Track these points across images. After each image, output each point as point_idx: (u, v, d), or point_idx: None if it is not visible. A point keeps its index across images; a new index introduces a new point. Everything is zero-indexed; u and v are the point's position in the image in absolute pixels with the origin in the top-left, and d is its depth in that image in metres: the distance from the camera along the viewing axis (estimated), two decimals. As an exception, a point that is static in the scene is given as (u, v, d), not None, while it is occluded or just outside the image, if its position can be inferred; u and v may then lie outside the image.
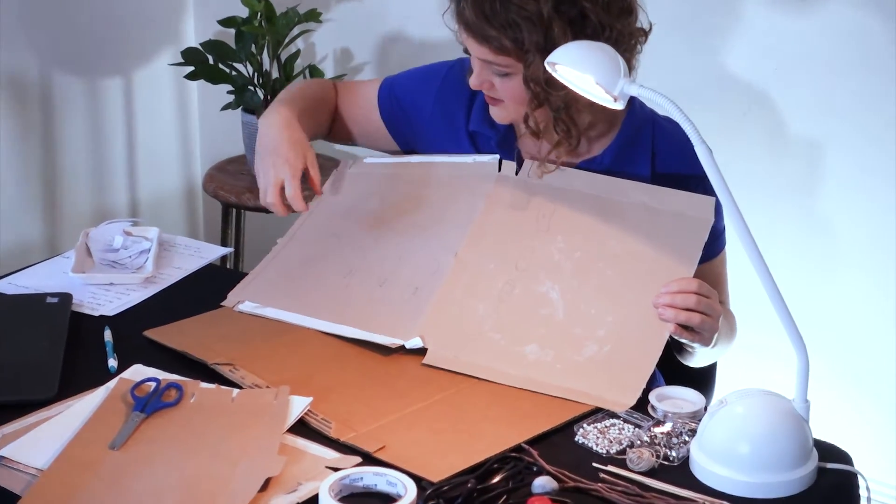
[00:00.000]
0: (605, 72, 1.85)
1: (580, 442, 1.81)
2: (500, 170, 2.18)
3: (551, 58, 1.90)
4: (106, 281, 2.25)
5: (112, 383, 1.90)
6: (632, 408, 1.87)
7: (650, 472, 1.74)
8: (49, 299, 2.15)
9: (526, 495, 1.65)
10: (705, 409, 1.82)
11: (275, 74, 3.31)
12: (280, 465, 1.69)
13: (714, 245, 2.14)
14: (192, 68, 3.33)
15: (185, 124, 3.82)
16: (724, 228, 2.17)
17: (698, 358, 2.12)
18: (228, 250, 2.56)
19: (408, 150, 2.34)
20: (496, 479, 1.67)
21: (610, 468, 1.74)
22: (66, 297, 2.16)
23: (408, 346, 2.01)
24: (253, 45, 3.28)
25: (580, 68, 1.87)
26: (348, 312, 2.10)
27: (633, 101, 2.16)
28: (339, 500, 1.62)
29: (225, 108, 3.36)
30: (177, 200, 3.85)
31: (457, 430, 1.82)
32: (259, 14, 3.25)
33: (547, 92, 2.04)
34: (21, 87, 3.36)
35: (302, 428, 1.81)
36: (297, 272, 2.20)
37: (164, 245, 2.40)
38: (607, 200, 2.10)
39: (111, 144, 3.61)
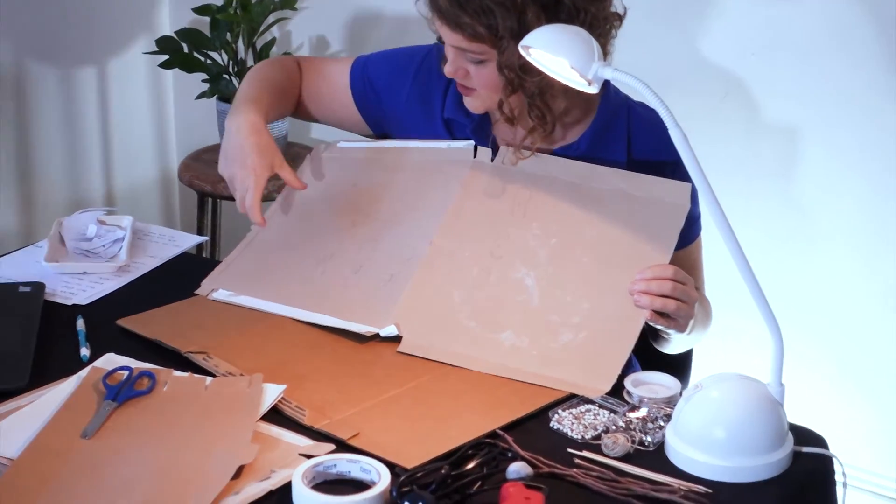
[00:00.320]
0: (579, 55, 1.84)
1: (555, 428, 1.80)
2: (475, 156, 2.17)
3: (525, 41, 1.89)
4: (79, 270, 2.24)
5: (84, 372, 1.89)
6: (607, 393, 1.87)
7: (625, 458, 1.73)
8: (22, 288, 2.14)
9: (500, 481, 1.65)
10: (681, 394, 1.82)
11: (250, 63, 3.30)
12: (253, 452, 1.68)
13: (690, 231, 2.13)
14: (166, 57, 3.31)
15: (160, 113, 3.81)
16: (700, 214, 2.17)
17: (674, 344, 2.12)
18: (203, 239, 2.54)
19: (380, 132, 2.32)
20: (471, 466, 1.67)
21: (585, 454, 1.73)
22: (38, 286, 2.15)
23: (382, 335, 2.00)
24: (228, 34, 3.27)
25: (554, 52, 1.86)
26: (323, 300, 2.09)
27: (608, 87, 2.16)
28: (313, 487, 1.61)
29: (200, 96, 3.35)
30: (152, 190, 3.84)
31: (431, 417, 1.81)
32: (234, 2, 3.24)
33: (521, 78, 2.03)
34: (-6, 77, 3.34)
35: (276, 416, 1.80)
36: (271, 260, 2.18)
37: (139, 234, 2.38)
38: (583, 187, 2.09)
39: (86, 134, 3.60)
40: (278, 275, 2.16)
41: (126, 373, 1.86)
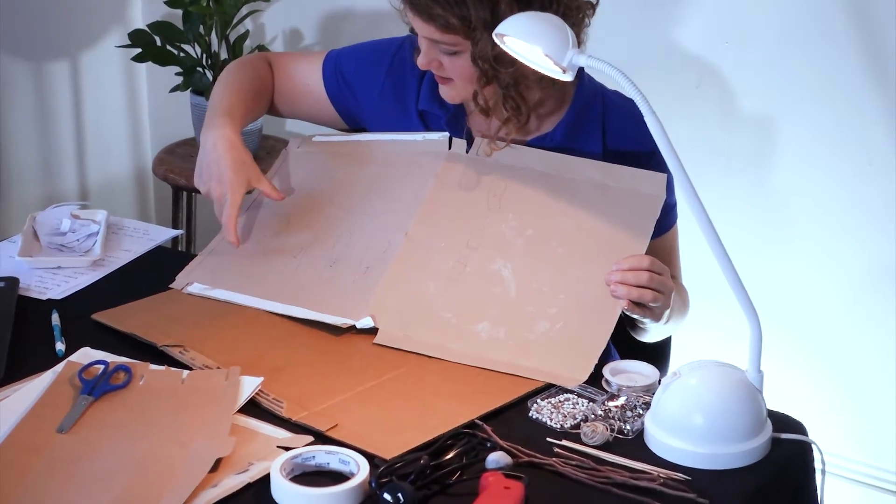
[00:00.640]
0: (554, 43, 1.84)
1: (534, 417, 1.80)
2: (450, 148, 2.17)
3: (499, 29, 1.89)
4: (53, 264, 2.22)
5: (59, 367, 1.87)
6: (586, 382, 1.87)
7: (605, 446, 1.73)
8: (-5, 284, 2.13)
9: (480, 471, 1.64)
10: (659, 382, 1.82)
11: (224, 55, 3.29)
12: (231, 445, 1.68)
13: (665, 220, 2.13)
14: (139, 50, 3.30)
15: (133, 107, 3.79)
16: (676, 203, 2.17)
17: (651, 334, 2.13)
18: (178, 232, 2.54)
19: (355, 126, 2.32)
20: (450, 456, 1.67)
21: (564, 443, 1.73)
22: (12, 281, 2.13)
23: (358, 326, 2.00)
24: (201, 26, 3.25)
25: (528, 39, 1.86)
26: (298, 293, 2.08)
27: (582, 77, 2.15)
28: (291, 479, 1.61)
29: (174, 90, 3.33)
30: (127, 184, 3.82)
31: (409, 408, 1.81)
32: (207, -6, 3.23)
33: (495, 69, 2.02)
34: (-35, 72, 3.32)
35: (253, 408, 1.79)
36: (246, 254, 2.18)
37: (113, 228, 2.37)
38: (559, 178, 2.09)
39: (59, 128, 3.58)
40: (254, 269, 2.15)
41: (102, 367, 1.85)
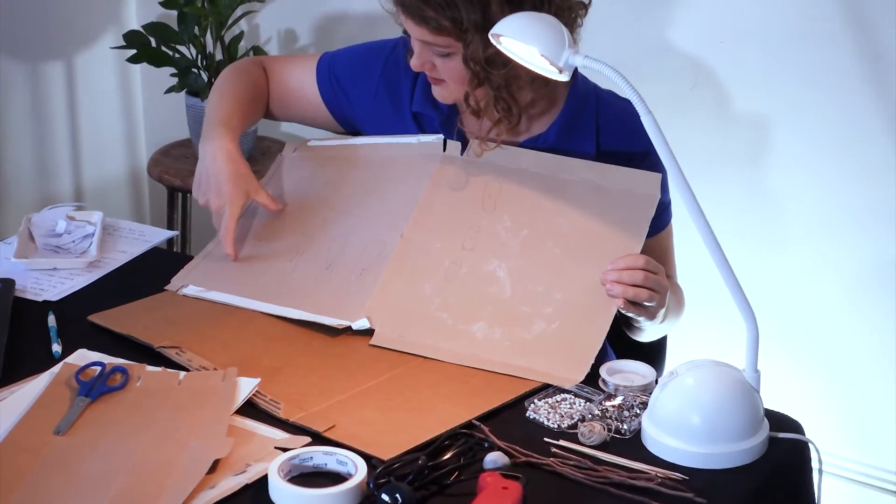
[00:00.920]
0: (550, 43, 1.84)
1: (531, 417, 1.80)
2: (444, 150, 2.17)
3: (495, 30, 1.89)
4: (49, 266, 2.22)
5: (56, 368, 1.87)
6: (582, 382, 1.87)
7: (602, 446, 1.73)
8: (-9, 285, 2.12)
9: (477, 471, 1.65)
10: (656, 381, 1.82)
11: (219, 56, 3.28)
12: (228, 446, 1.68)
13: (660, 219, 2.14)
14: (134, 51, 3.29)
15: (128, 108, 3.78)
16: (670, 202, 2.17)
17: (647, 333, 2.13)
18: (174, 233, 2.54)
19: (349, 129, 2.32)
20: (447, 456, 1.67)
21: (562, 443, 1.73)
22: (8, 283, 2.13)
23: (354, 328, 2.00)
24: (196, 27, 3.25)
25: (524, 40, 1.86)
26: (294, 295, 2.08)
27: (575, 77, 2.15)
28: (289, 480, 1.61)
29: (169, 91, 3.33)
30: (122, 185, 3.82)
31: (407, 409, 1.81)
32: (201, -5, 3.23)
33: (487, 71, 2.03)
34: (-40, 73, 3.32)
35: (250, 409, 1.79)
36: (242, 256, 2.17)
37: (109, 229, 2.37)
38: (553, 178, 2.10)
39: (54, 129, 3.57)
40: (250, 271, 2.15)
41: (99, 368, 1.85)
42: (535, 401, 1.83)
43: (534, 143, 2.15)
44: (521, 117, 2.12)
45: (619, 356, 2.08)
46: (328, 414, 1.77)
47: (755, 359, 1.77)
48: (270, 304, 2.07)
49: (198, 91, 3.25)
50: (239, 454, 1.68)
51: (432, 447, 1.68)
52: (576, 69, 1.95)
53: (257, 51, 3.33)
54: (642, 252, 1.99)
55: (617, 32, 2.93)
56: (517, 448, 1.70)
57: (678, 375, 1.75)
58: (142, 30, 3.29)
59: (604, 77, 1.83)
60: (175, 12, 3.26)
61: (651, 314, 2.00)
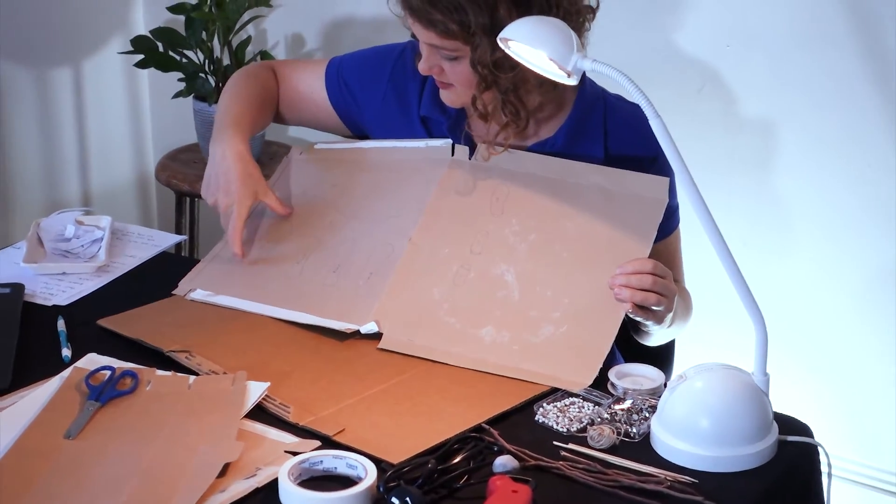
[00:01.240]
0: (558, 47, 1.84)
1: (540, 421, 1.80)
2: (453, 154, 2.17)
3: (504, 34, 1.89)
4: (58, 270, 2.23)
5: (66, 372, 1.88)
6: (591, 386, 1.87)
7: (611, 449, 1.73)
8: (1, 290, 2.12)
9: (487, 475, 1.65)
10: (665, 385, 1.82)
11: (226, 61, 3.29)
12: (238, 450, 1.68)
13: (668, 223, 2.13)
14: (141, 56, 3.29)
15: (136, 113, 3.79)
16: (678, 206, 2.17)
17: (655, 337, 2.13)
18: (182, 238, 2.54)
19: (358, 133, 2.32)
20: (457, 460, 1.67)
21: (571, 446, 1.73)
22: (18, 288, 2.13)
23: (363, 331, 2.00)
24: (203, 32, 3.25)
25: (532, 44, 1.86)
26: (302, 299, 2.08)
27: (583, 81, 2.15)
28: (299, 484, 1.61)
29: (176, 95, 3.33)
30: (130, 190, 3.82)
31: (416, 412, 1.81)
32: (209, 0, 3.22)
33: (494, 74, 2.03)
34: (-32, 79, 3.32)
35: (260, 413, 1.79)
36: (249, 259, 2.17)
37: (117, 234, 2.37)
38: (561, 182, 2.10)
39: (62, 134, 3.58)
40: (257, 275, 2.15)
41: (108, 373, 1.85)
42: (544, 404, 1.83)
43: (542, 148, 2.16)
44: (528, 121, 2.13)
45: (628, 360, 2.08)
46: (338, 418, 1.77)
47: (764, 362, 1.77)
48: (278, 308, 2.07)
49: (205, 96, 3.26)
50: (249, 458, 1.68)
51: (442, 451, 1.68)
52: (584, 73, 1.95)
53: (265, 55, 3.34)
54: (650, 256, 1.99)
55: (625, 36, 2.93)
56: (526, 452, 1.70)
57: (687, 379, 1.75)
58: (149, 35, 3.29)
59: (612, 81, 1.83)
60: (182, 17, 3.27)
61: (659, 318, 2.00)
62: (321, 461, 1.65)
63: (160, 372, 1.88)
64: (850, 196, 2.86)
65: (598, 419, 1.78)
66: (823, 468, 1.80)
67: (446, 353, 1.96)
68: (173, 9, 3.27)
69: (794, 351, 2.95)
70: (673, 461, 1.72)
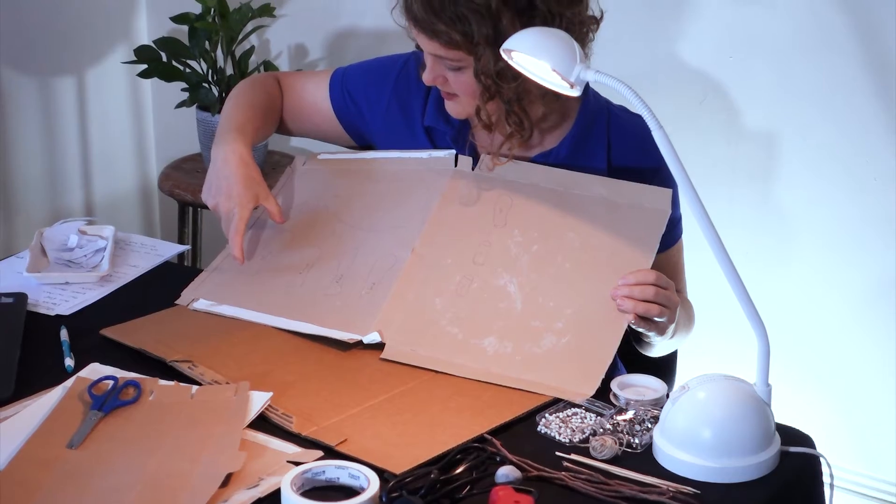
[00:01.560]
0: (561, 58, 1.84)
1: (542, 431, 1.80)
2: (456, 165, 2.17)
3: (507, 45, 1.89)
4: (61, 280, 2.23)
5: (69, 382, 1.88)
6: (593, 396, 1.87)
7: (614, 460, 1.73)
8: (4, 299, 2.12)
9: (490, 485, 1.65)
10: (667, 395, 1.82)
11: (229, 71, 3.29)
12: (241, 460, 1.68)
13: (671, 234, 2.14)
14: (145, 66, 3.30)
15: (139, 123, 3.80)
16: (681, 217, 2.18)
17: (656, 348, 2.13)
18: (185, 248, 2.54)
19: (362, 143, 2.32)
20: (459, 470, 1.67)
21: (573, 457, 1.73)
22: (21, 297, 2.14)
23: (365, 342, 2.00)
24: (207, 42, 3.26)
25: (536, 55, 1.86)
26: (305, 309, 2.08)
27: (587, 91, 2.16)
28: (302, 494, 1.61)
29: (179, 105, 3.34)
30: (132, 200, 3.83)
31: (419, 423, 1.81)
32: (212, 10, 3.23)
33: (498, 84, 2.03)
34: (-28, 88, 3.33)
35: (263, 423, 1.79)
36: (251, 270, 2.17)
37: (120, 243, 2.38)
38: (564, 194, 2.10)
39: (65, 144, 3.58)
40: (259, 285, 2.15)
41: (111, 382, 1.85)
42: (547, 415, 1.83)
43: (545, 158, 2.16)
44: (532, 131, 2.13)
45: (630, 370, 2.08)
46: (340, 428, 1.78)
47: (766, 373, 1.77)
48: (280, 318, 2.07)
49: (208, 106, 3.26)
50: (251, 468, 1.68)
51: (444, 461, 1.68)
52: (588, 84, 1.95)
53: (268, 66, 3.34)
54: (653, 267, 1.99)
55: (628, 47, 2.94)
56: (529, 462, 1.70)
57: (689, 389, 1.75)
58: (153, 45, 3.30)
59: (615, 92, 1.83)
60: (186, 27, 3.27)
61: (661, 329, 2.00)
62: (324, 471, 1.65)
63: (163, 382, 1.88)
64: (852, 207, 2.86)
65: (601, 430, 1.78)
66: (826, 479, 1.80)
67: (449, 363, 1.96)
68: (177, 19, 3.28)
69: (796, 362, 2.95)
70: (675, 472, 1.72)
